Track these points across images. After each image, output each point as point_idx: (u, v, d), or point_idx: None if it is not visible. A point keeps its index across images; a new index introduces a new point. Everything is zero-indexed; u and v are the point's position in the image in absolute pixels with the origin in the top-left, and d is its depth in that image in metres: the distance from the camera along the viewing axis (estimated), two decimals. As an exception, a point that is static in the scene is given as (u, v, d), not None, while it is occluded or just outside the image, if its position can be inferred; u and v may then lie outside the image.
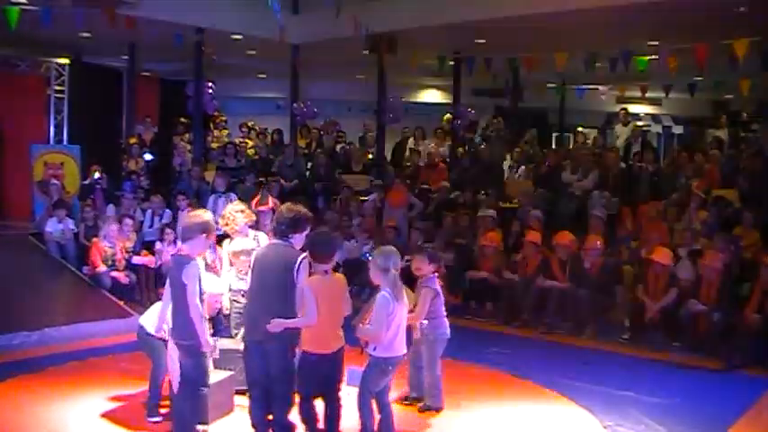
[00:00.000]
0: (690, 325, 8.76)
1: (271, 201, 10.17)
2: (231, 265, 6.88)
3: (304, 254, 5.39)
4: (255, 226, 7.30)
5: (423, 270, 6.46)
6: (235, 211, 6.98)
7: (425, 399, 6.46)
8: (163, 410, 6.03)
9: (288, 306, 5.26)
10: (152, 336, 6.05)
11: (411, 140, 16.88)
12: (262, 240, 6.90)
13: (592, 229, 10.47)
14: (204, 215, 5.57)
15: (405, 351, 5.50)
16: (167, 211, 12.49)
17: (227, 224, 6.93)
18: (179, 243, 7.62)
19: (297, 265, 5.24)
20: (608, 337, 9.36)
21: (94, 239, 10.70)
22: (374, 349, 5.33)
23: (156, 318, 6.11)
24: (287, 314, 5.24)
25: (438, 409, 6.41)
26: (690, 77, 14.82)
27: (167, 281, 5.45)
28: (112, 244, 10.54)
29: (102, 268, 10.35)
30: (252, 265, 5.52)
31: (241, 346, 6.23)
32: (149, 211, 12.35)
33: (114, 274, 10.38)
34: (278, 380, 5.27)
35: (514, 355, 8.41)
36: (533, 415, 6.53)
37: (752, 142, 13.50)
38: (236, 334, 6.82)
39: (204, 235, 5.37)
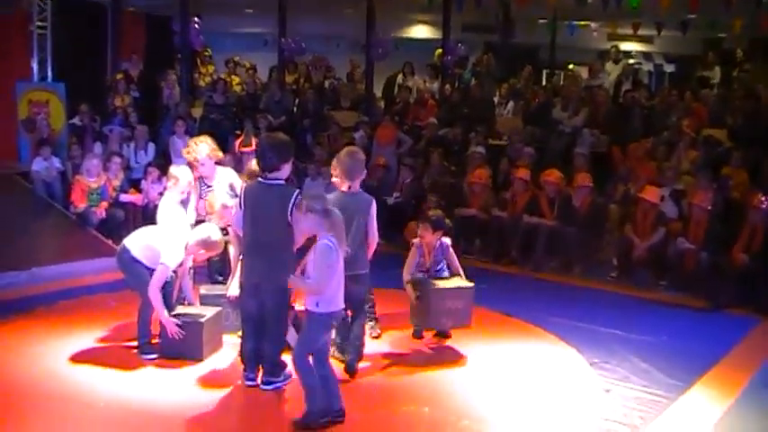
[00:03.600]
0: (677, 264, 8.81)
1: (254, 142, 10.00)
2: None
3: (297, 190, 5.37)
4: (239, 168, 7.15)
5: (426, 238, 6.53)
6: (199, 141, 6.83)
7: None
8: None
9: (286, 247, 5.29)
10: (137, 261, 5.95)
11: (400, 77, 16.71)
12: (237, 185, 6.66)
13: (577, 167, 10.45)
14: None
15: (344, 305, 5.04)
16: (152, 144, 12.38)
17: (188, 152, 6.80)
18: (164, 180, 7.54)
19: (291, 204, 5.21)
20: (596, 276, 9.42)
21: (76, 177, 10.59)
22: (316, 305, 4.78)
23: (143, 241, 6.01)
24: (285, 255, 5.26)
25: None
26: (683, 15, 14.65)
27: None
28: (95, 179, 10.41)
29: (82, 206, 10.22)
30: (241, 204, 5.44)
31: (222, 291, 6.29)
32: (132, 146, 12.23)
33: (94, 209, 10.22)
34: (271, 316, 5.33)
35: (502, 292, 8.42)
36: (521, 352, 6.59)
37: (744, 82, 13.37)
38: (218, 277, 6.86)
39: None
